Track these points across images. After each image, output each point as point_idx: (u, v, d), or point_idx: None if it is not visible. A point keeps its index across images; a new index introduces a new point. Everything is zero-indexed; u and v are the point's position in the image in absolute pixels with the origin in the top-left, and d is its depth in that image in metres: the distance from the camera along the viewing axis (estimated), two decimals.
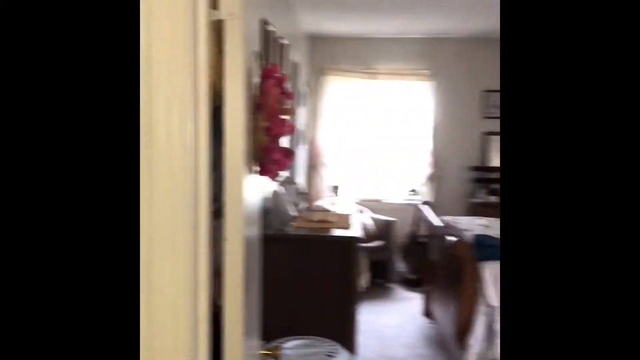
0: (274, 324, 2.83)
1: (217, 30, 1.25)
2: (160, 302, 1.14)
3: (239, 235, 1.31)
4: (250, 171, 1.52)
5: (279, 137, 1.71)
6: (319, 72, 6.51)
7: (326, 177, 6.45)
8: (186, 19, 1.10)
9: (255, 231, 1.62)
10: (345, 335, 3.13)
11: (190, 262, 1.15)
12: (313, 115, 6.46)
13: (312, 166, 6.37)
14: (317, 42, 6.52)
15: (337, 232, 3.37)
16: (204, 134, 1.15)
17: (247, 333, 1.48)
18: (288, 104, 1.82)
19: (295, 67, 4.94)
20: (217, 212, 1.31)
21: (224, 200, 1.26)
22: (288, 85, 2.23)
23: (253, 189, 1.56)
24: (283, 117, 1.72)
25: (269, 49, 3.47)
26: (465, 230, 3.99)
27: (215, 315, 1.34)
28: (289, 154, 1.77)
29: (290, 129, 1.81)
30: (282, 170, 1.76)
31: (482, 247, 3.38)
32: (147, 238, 1.13)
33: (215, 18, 1.20)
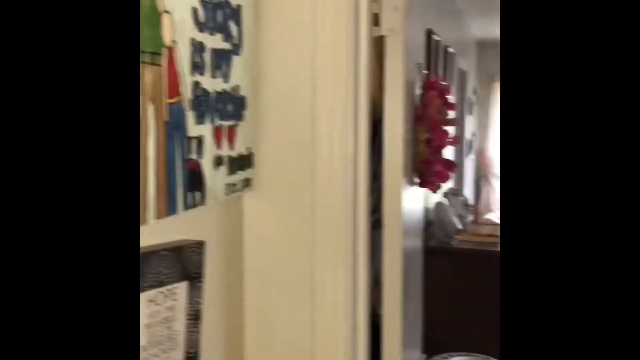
0: (437, 337, 2.79)
1: (378, 45, 1.29)
2: (321, 309, 1.20)
3: (397, 246, 1.32)
4: (410, 183, 1.53)
5: (441, 149, 1.69)
6: (489, 78, 6.28)
7: (497, 189, 6.17)
8: (348, 37, 1.15)
9: (415, 242, 1.62)
10: None
11: (350, 272, 1.19)
12: (482, 124, 6.24)
13: (481, 177, 6.13)
14: (487, 47, 6.29)
15: None
16: (363, 146, 1.19)
17: (407, 343, 1.48)
18: (451, 115, 1.79)
19: (462, 75, 4.83)
20: (376, 223, 1.35)
21: (383, 211, 1.29)
22: (452, 95, 2.19)
23: (413, 201, 1.56)
24: (445, 128, 1.70)
25: (433, 59, 3.45)
26: None
27: (375, 324, 1.37)
28: (451, 165, 1.74)
29: (453, 140, 1.79)
30: (443, 182, 1.74)
31: None
32: (311, 247, 1.20)
33: (376, 34, 1.24)
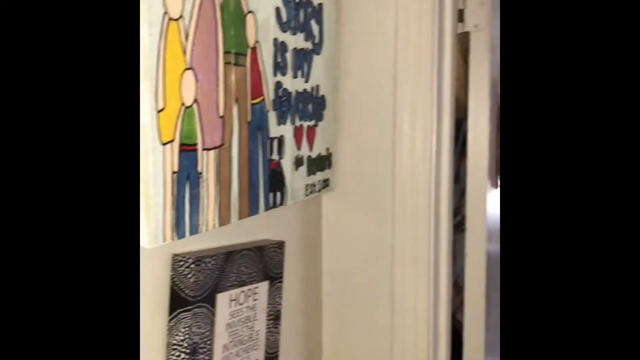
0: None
1: (462, 42, 1.24)
2: (401, 314, 1.17)
3: (480, 250, 1.27)
4: (494, 185, 1.46)
5: None
6: None
7: None
8: (432, 34, 1.12)
9: (498, 246, 1.55)
10: None
11: (432, 276, 1.16)
12: None
13: None
14: None
15: None
16: (446, 146, 1.15)
17: (488, 351, 1.42)
18: None
19: None
20: (457, 225, 1.30)
21: (466, 213, 1.24)
22: None
23: (496, 203, 1.50)
24: None
25: None
26: None
27: (455, 330, 1.32)
28: None
29: None
30: None
31: None
32: (391, 249, 1.17)
33: (460, 31, 1.19)
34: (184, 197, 0.76)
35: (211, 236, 0.87)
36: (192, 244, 0.83)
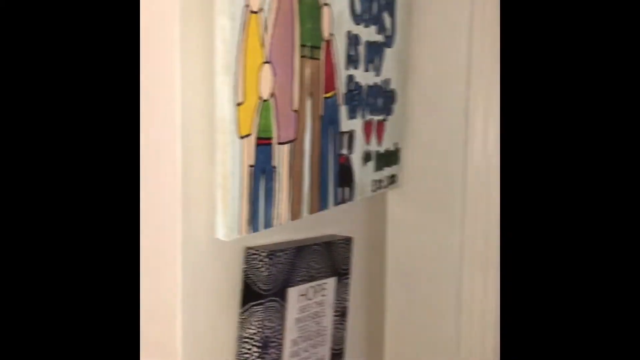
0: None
1: None
2: (468, 316, 1.14)
3: None
4: None
5: None
6: None
7: None
8: None
9: None
10: None
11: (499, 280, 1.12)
12: None
13: None
14: None
15: None
16: None
17: None
18: None
19: None
20: None
21: None
22: None
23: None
24: None
25: None
26: None
27: None
28: None
29: None
30: None
31: None
32: (459, 249, 1.14)
33: None
34: (258, 191, 0.75)
35: (276, 230, 0.87)
36: (259, 238, 0.83)
